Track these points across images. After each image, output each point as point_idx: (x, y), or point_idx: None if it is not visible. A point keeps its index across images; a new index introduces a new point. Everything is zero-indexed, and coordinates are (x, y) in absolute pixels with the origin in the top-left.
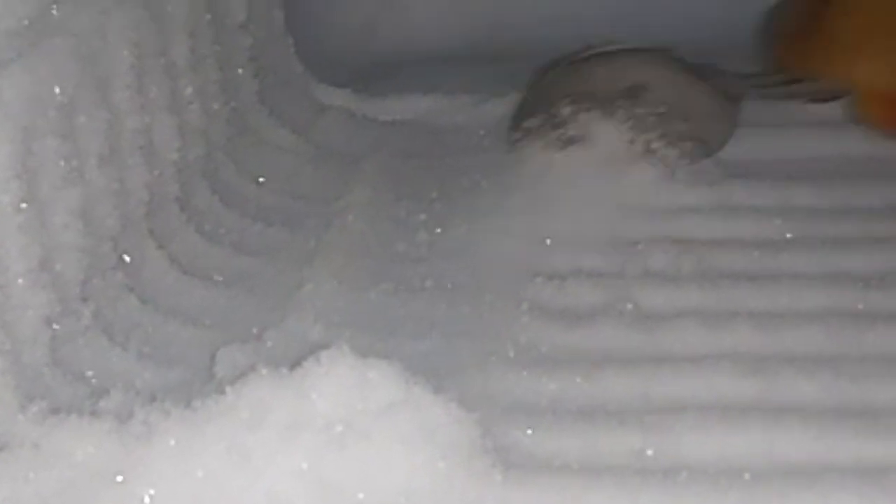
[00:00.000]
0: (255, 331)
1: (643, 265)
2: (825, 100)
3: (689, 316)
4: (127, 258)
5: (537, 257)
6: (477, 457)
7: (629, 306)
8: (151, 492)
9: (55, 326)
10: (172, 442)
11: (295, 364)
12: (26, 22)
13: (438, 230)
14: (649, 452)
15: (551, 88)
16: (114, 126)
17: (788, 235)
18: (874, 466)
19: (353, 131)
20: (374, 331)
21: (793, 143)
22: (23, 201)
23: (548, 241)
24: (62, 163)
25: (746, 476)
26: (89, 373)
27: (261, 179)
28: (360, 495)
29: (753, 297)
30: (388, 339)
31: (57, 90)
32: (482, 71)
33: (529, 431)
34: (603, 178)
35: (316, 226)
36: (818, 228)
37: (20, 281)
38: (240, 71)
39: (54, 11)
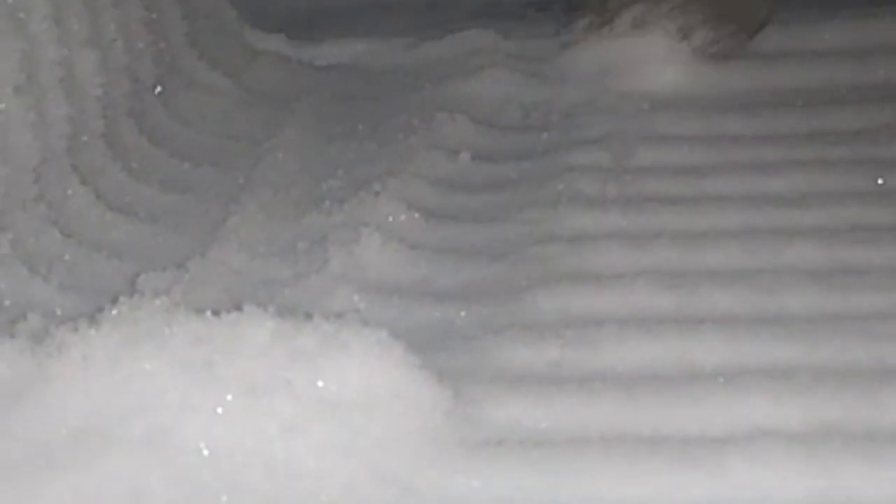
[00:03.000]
0: (177, 261)
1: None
2: None
3: (613, 237)
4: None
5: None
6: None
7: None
8: (61, 403)
9: None
10: (80, 357)
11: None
12: None
13: (378, 170)
14: (566, 363)
15: None
16: (30, 56)
17: (712, 161)
18: (785, 368)
19: (287, 75)
20: (294, 261)
21: (722, 76)
22: None
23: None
24: None
25: (661, 382)
26: (7, 301)
27: (191, 120)
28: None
29: (675, 220)
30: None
31: None
32: (416, 17)
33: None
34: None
35: (245, 164)
36: (742, 154)
37: None
38: (166, 12)
39: None
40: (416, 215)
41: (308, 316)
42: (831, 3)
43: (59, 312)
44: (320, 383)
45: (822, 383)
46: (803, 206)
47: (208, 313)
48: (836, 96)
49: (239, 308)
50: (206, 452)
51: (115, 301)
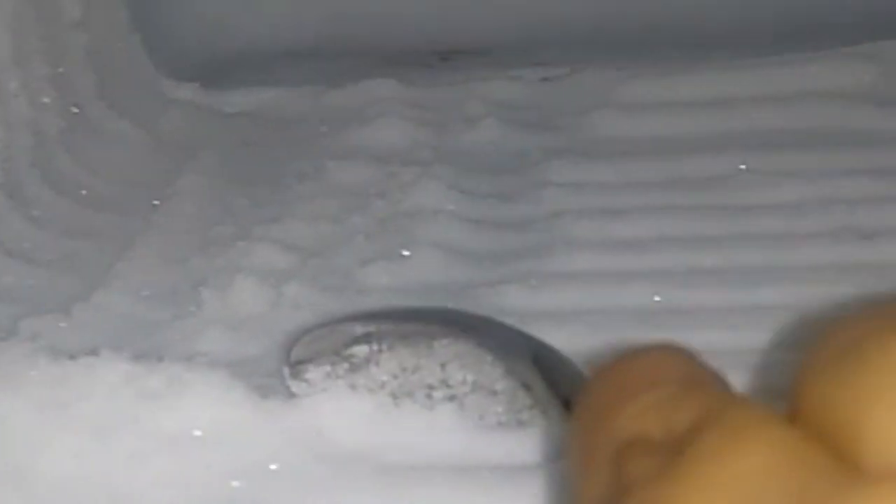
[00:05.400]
0: (62, 304)
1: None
2: None
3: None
4: None
5: None
6: None
7: None
8: None
9: None
10: None
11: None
12: None
13: (264, 215)
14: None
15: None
16: None
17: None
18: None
19: (197, 123)
20: (173, 304)
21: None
22: None
23: None
24: None
25: None
26: None
27: (97, 169)
28: None
29: (527, 264)
30: None
31: None
32: (327, 64)
33: None
34: None
35: (144, 210)
36: (597, 200)
37: None
38: (76, 65)
39: None
40: (294, 258)
41: (160, 358)
42: (690, 54)
43: None
44: (165, 420)
45: None
46: (649, 251)
47: (66, 357)
48: (691, 145)
49: (95, 353)
50: (57, 485)
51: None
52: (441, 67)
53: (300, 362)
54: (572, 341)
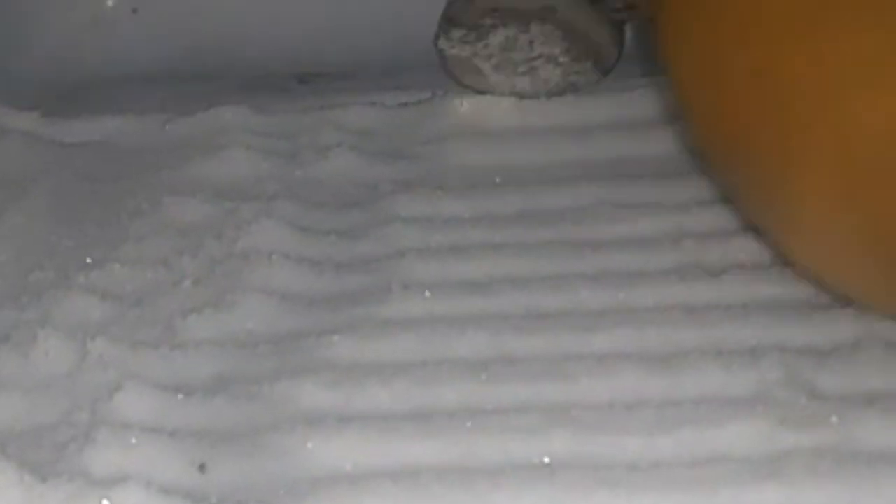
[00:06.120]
0: None
1: None
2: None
3: None
4: None
5: None
6: None
7: None
8: None
9: None
10: None
11: None
12: None
13: (87, 259)
14: None
15: (472, 3)
16: None
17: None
18: None
19: (32, 155)
20: None
21: None
22: None
23: None
24: None
25: None
26: None
27: None
28: None
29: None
30: None
31: None
32: (181, 91)
33: None
34: None
35: None
36: (445, 238)
37: None
38: None
39: None
40: (110, 309)
41: None
42: None
43: None
44: None
45: (442, 483)
46: (486, 293)
47: None
48: (549, 176)
49: None
50: None
51: None
52: (298, 91)
53: (450, 21)
54: (398, 400)
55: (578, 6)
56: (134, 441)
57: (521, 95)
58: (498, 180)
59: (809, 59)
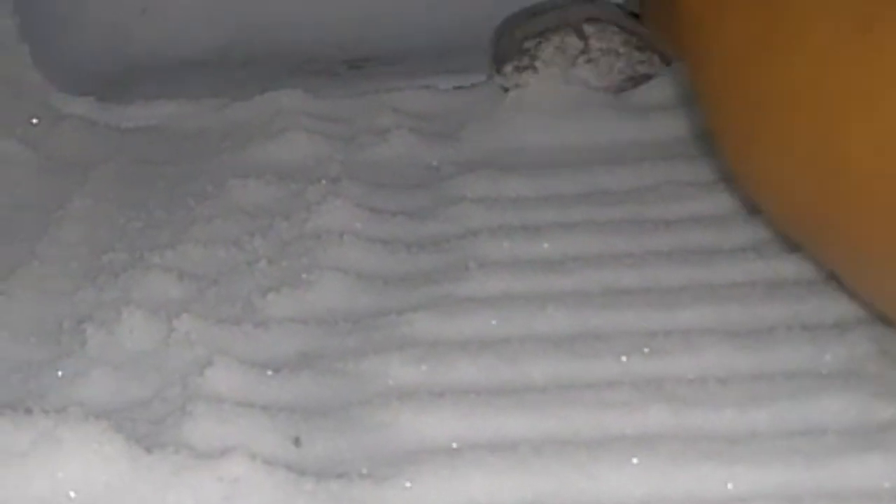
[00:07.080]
0: None
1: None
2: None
3: None
4: None
5: None
6: None
7: None
8: None
9: None
10: None
11: None
12: None
13: (153, 236)
14: None
15: (512, 35)
16: None
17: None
18: (511, 441)
19: (90, 140)
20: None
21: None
22: None
23: None
24: None
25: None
26: None
27: None
28: None
29: (435, 288)
30: None
31: None
32: (231, 75)
33: None
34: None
35: (30, 236)
36: (516, 217)
37: None
38: None
39: None
40: (190, 288)
41: (28, 411)
42: None
43: None
44: (31, 482)
45: (540, 455)
46: (562, 271)
47: None
48: (614, 156)
49: None
50: None
51: None
52: (349, 76)
53: (500, 60)
54: (486, 375)
55: (620, 17)
56: (230, 415)
57: (587, 85)
58: (557, 161)
59: None
